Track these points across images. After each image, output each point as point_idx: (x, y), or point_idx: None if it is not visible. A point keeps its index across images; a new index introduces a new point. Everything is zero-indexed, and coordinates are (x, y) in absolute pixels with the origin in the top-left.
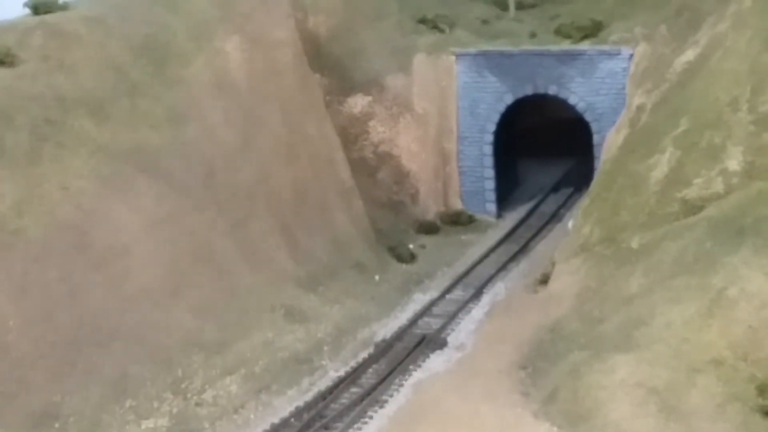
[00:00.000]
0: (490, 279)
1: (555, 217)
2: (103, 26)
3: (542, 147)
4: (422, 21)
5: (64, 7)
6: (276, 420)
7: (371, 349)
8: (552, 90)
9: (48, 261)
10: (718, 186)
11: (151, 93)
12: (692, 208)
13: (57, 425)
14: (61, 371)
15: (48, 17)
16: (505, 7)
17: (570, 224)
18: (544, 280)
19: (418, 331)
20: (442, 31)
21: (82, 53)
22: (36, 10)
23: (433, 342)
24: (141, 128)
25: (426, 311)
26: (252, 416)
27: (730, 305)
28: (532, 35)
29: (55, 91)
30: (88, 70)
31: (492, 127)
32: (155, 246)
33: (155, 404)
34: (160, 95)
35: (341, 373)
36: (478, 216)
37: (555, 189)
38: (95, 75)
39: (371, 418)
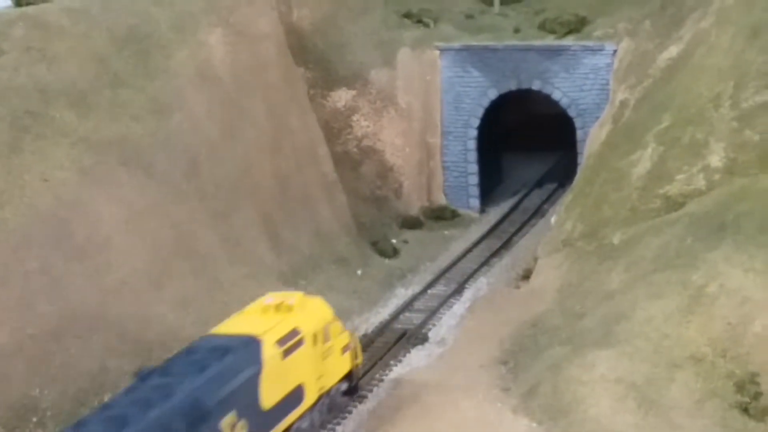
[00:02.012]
0: (473, 274)
1: (538, 212)
2: (86, 17)
3: (526, 142)
4: (407, 15)
5: None
6: None
7: None
8: (536, 85)
9: (28, 252)
10: (700, 182)
11: (134, 84)
12: (674, 204)
13: (35, 419)
14: (40, 364)
15: (30, 9)
16: (489, 2)
17: (553, 219)
18: (527, 276)
19: (398, 326)
20: (426, 25)
21: (64, 44)
22: (18, 1)
23: (413, 337)
24: (123, 120)
25: (408, 306)
26: None
27: (710, 301)
28: (516, 30)
29: (37, 83)
30: (70, 62)
31: (476, 122)
32: (136, 238)
33: None
34: (142, 87)
35: None
36: (462, 211)
37: (539, 184)
38: (77, 66)
39: (350, 413)
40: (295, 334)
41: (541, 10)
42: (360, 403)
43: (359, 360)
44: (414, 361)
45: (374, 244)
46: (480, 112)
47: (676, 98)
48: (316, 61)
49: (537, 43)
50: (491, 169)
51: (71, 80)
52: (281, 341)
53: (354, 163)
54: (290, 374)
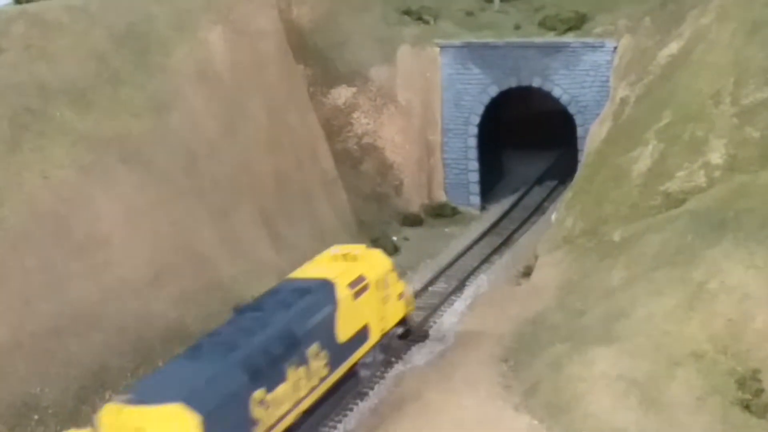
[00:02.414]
0: (473, 271)
1: (539, 209)
2: (86, 15)
3: (526, 139)
4: (407, 12)
5: None
6: None
7: None
8: (536, 82)
9: (27, 250)
10: (701, 179)
11: (134, 82)
12: (674, 201)
13: (36, 417)
14: (40, 362)
15: (30, 6)
16: None
17: (553, 217)
18: (527, 273)
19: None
20: (426, 22)
21: (64, 42)
22: None
23: (414, 334)
24: (123, 117)
25: None
26: None
27: (711, 298)
28: (517, 27)
29: (37, 80)
30: (70, 59)
31: (476, 119)
32: (136, 235)
33: None
34: (142, 84)
35: None
36: (462, 208)
37: (539, 181)
38: (77, 64)
39: (351, 410)
40: (362, 279)
41: (541, 6)
42: (361, 400)
43: (412, 307)
44: (415, 359)
45: (375, 242)
46: (480, 109)
47: (676, 95)
48: (316, 59)
49: (537, 40)
50: (492, 166)
51: (71, 78)
52: (351, 285)
53: (354, 160)
54: (358, 314)
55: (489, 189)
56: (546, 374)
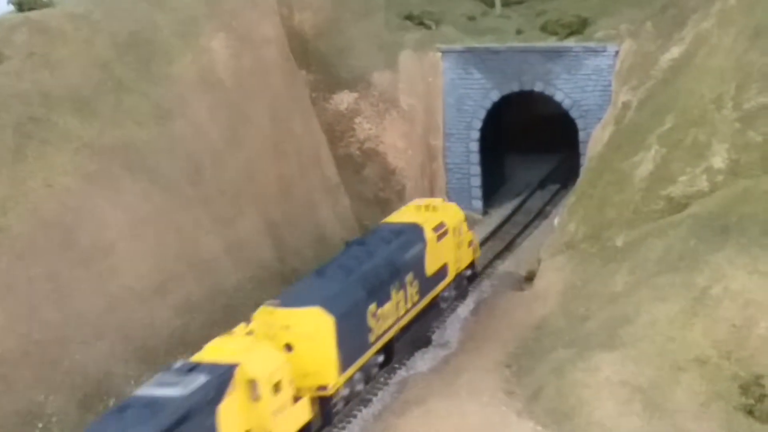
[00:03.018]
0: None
1: (541, 213)
2: (89, 23)
3: (529, 143)
4: (408, 17)
5: (49, 4)
6: None
7: None
8: (538, 87)
9: (32, 258)
10: (703, 184)
11: (137, 90)
12: (677, 205)
13: (40, 425)
14: (45, 370)
15: (33, 14)
16: (491, 4)
17: (556, 221)
18: (530, 278)
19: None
20: (428, 27)
21: (67, 50)
22: (21, 6)
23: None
24: (126, 125)
25: None
26: None
27: (714, 304)
28: (518, 32)
29: (40, 88)
30: (73, 67)
31: (478, 124)
32: (141, 243)
33: None
34: (146, 92)
35: None
36: (464, 213)
37: (541, 185)
38: (80, 72)
39: (354, 417)
40: (442, 225)
41: (543, 11)
42: (365, 407)
43: (478, 254)
44: (419, 365)
45: None
46: (482, 113)
47: (678, 100)
48: (319, 65)
49: (539, 44)
50: (494, 171)
51: (74, 86)
52: (435, 229)
53: (357, 166)
54: (440, 254)
55: (491, 193)
56: (549, 380)
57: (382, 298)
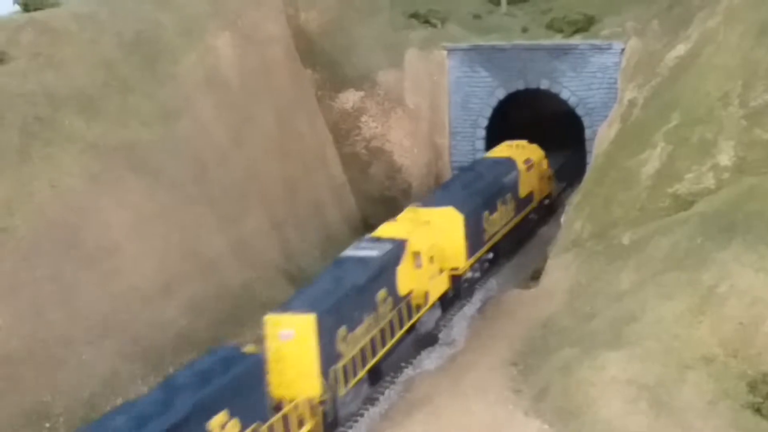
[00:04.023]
0: (482, 276)
1: (548, 211)
2: (94, 23)
3: (534, 141)
4: (414, 16)
5: (54, 4)
6: None
7: None
8: (544, 84)
9: (38, 259)
10: (710, 181)
11: (142, 90)
12: (683, 203)
13: (47, 425)
14: (52, 370)
15: (38, 14)
16: (496, 2)
17: (562, 219)
18: (536, 276)
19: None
20: (433, 25)
21: (72, 50)
22: (26, 7)
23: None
24: (132, 125)
25: None
26: None
27: (721, 302)
28: (524, 30)
29: (46, 89)
30: (78, 67)
31: (484, 122)
32: (146, 243)
33: None
34: (151, 92)
35: None
36: None
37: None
38: (86, 72)
39: (361, 416)
40: (530, 161)
41: (549, 9)
42: (372, 405)
43: (554, 187)
44: (425, 363)
45: None
46: (488, 111)
47: (684, 97)
48: (324, 63)
49: (545, 42)
50: None
51: (79, 86)
52: (524, 162)
53: (363, 164)
54: (528, 183)
55: None
56: (556, 378)
57: (491, 209)
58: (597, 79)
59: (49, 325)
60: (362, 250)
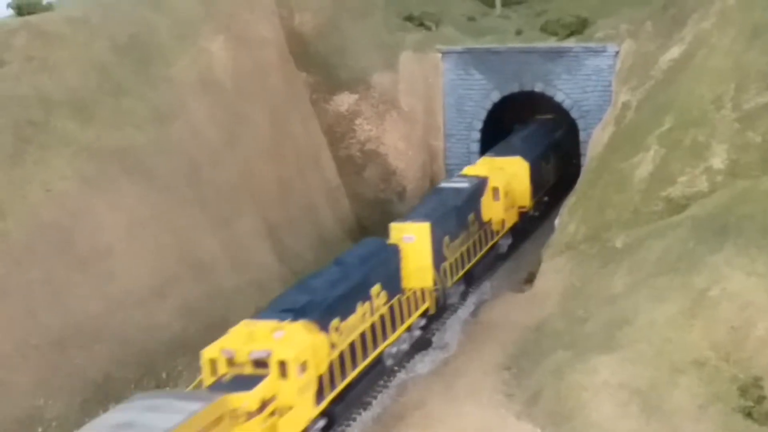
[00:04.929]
0: (476, 278)
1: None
2: (87, 26)
3: None
4: (408, 18)
5: (48, 8)
6: None
7: None
8: (538, 87)
9: (31, 262)
10: (703, 184)
11: (136, 93)
12: (676, 206)
13: (40, 429)
14: (45, 374)
15: (32, 18)
16: (491, 5)
17: (556, 222)
18: (530, 279)
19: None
20: (428, 28)
21: (66, 53)
22: (20, 10)
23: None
24: (125, 128)
25: None
26: None
27: (713, 305)
28: (518, 32)
29: (39, 92)
30: (72, 71)
31: (479, 125)
32: (139, 246)
33: None
34: (144, 95)
35: None
36: None
37: None
38: (79, 75)
39: (354, 420)
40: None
41: (543, 11)
42: (364, 410)
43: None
44: (418, 367)
45: None
46: (483, 114)
47: (677, 100)
48: (318, 66)
49: (539, 45)
50: None
51: (73, 89)
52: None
53: (357, 167)
54: (565, 142)
55: None
56: (548, 382)
57: (545, 160)
58: (591, 82)
59: (41, 328)
60: (455, 183)
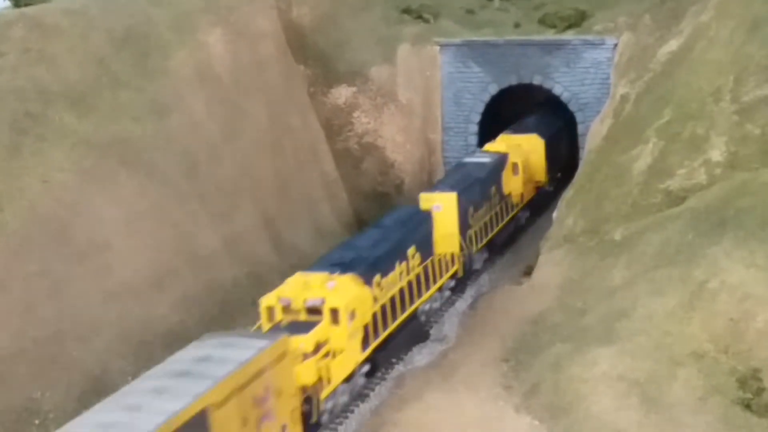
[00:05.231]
0: (474, 270)
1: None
2: (85, 18)
3: None
4: (406, 11)
5: (45, 0)
6: None
7: None
8: (536, 80)
9: (28, 255)
10: (701, 177)
11: (134, 85)
12: (675, 199)
13: (37, 421)
14: (42, 366)
15: (29, 9)
16: None
17: (554, 215)
18: (528, 272)
19: None
20: (426, 21)
21: (63, 45)
22: (17, 2)
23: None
24: (123, 120)
25: None
26: None
27: (712, 297)
28: (517, 25)
29: (36, 84)
30: (69, 63)
31: (477, 118)
32: (137, 239)
33: None
34: (142, 87)
35: None
36: None
37: None
38: (77, 67)
39: (352, 412)
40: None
41: (541, 4)
42: (362, 401)
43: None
44: (416, 359)
45: None
46: (481, 107)
47: (676, 92)
48: (316, 59)
49: (537, 37)
50: None
51: (70, 81)
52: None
53: (355, 160)
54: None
55: None
56: (547, 375)
57: (558, 139)
58: (590, 75)
59: (39, 321)
60: (478, 158)
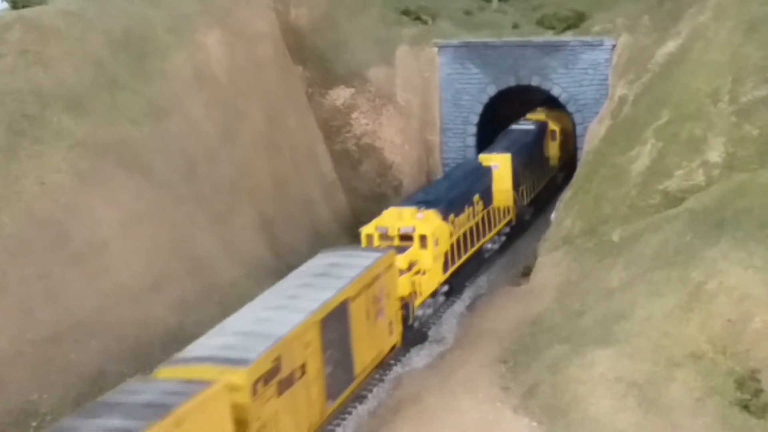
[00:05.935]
0: (472, 272)
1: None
2: (82, 20)
3: None
4: (405, 12)
5: (42, 1)
6: None
7: None
8: (535, 81)
9: (25, 257)
10: (699, 178)
11: (131, 87)
12: (673, 200)
13: (34, 424)
14: (39, 369)
15: (26, 11)
16: None
17: (552, 216)
18: (527, 273)
19: None
20: (424, 22)
21: (60, 47)
22: (14, 4)
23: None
24: (120, 122)
25: None
26: None
27: (710, 299)
28: (515, 26)
29: (34, 86)
30: (66, 65)
31: (475, 119)
32: (134, 241)
33: None
34: (139, 89)
35: None
36: None
37: None
38: (74, 69)
39: (350, 413)
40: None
41: (539, 5)
42: (360, 403)
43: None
44: (414, 361)
45: None
46: (479, 108)
47: (674, 94)
48: (315, 60)
49: (535, 38)
50: None
51: (68, 83)
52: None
53: (353, 161)
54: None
55: None
56: (545, 376)
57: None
58: (588, 76)
59: (36, 323)
60: (523, 125)
